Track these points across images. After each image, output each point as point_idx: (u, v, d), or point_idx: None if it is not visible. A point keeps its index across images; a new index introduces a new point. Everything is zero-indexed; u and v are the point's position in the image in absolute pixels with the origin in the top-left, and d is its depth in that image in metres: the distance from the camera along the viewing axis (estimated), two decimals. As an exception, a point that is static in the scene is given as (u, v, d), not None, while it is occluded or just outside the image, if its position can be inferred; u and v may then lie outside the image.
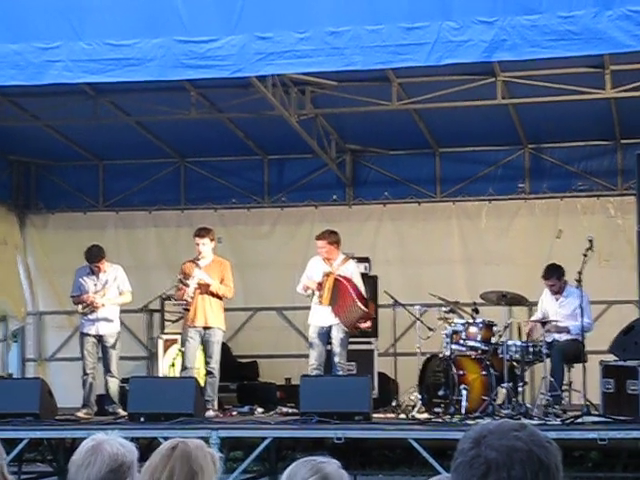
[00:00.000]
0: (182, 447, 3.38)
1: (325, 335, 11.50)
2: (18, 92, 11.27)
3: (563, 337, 11.11)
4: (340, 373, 11.43)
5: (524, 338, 11.02)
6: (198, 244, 11.68)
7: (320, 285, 11.44)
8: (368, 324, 11.82)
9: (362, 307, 11.36)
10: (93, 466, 3.61)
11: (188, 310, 11.61)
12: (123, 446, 3.69)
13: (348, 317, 11.38)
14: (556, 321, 11.15)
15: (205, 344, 11.58)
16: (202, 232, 11.79)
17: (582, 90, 11.36)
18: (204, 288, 11.54)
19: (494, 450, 2.04)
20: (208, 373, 11.59)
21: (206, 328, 11.54)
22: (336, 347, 11.47)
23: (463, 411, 10.45)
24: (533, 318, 11.52)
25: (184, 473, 3.33)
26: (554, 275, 11.30)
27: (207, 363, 11.61)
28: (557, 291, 11.32)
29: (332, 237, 11.61)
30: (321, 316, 11.50)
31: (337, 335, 11.44)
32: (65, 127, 13.61)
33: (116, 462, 3.63)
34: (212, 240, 11.78)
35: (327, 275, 11.45)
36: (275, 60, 8.86)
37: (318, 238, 11.68)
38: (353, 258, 12.10)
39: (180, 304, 12.15)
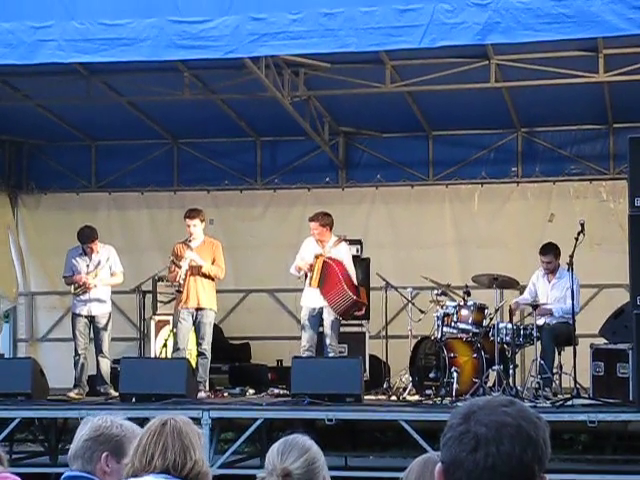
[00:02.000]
0: (172, 423, 3.42)
1: (317, 317, 11.52)
2: (10, 71, 11.21)
3: (553, 321, 11.13)
4: (331, 355, 11.45)
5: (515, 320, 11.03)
6: (189, 225, 11.68)
7: (312, 266, 11.45)
8: (362, 312, 11.86)
9: (351, 295, 11.35)
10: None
11: (180, 292, 11.61)
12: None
13: (338, 303, 11.37)
14: (545, 304, 11.16)
15: (197, 325, 11.59)
16: (192, 213, 11.78)
17: (575, 74, 11.35)
18: (196, 269, 11.54)
19: (483, 425, 2.05)
20: (200, 354, 11.60)
21: (198, 309, 11.56)
22: (327, 329, 11.49)
23: (454, 393, 10.47)
24: (517, 299, 11.50)
25: (177, 448, 3.35)
26: (552, 252, 11.30)
27: (199, 344, 11.62)
28: (552, 270, 11.31)
29: (325, 219, 11.62)
30: (313, 298, 11.51)
31: (328, 317, 11.45)
32: (58, 107, 13.56)
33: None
34: (202, 221, 11.78)
35: (317, 257, 11.46)
36: (269, 41, 8.85)
37: (311, 220, 11.68)
38: (345, 240, 12.11)
39: (172, 285, 12.15)
